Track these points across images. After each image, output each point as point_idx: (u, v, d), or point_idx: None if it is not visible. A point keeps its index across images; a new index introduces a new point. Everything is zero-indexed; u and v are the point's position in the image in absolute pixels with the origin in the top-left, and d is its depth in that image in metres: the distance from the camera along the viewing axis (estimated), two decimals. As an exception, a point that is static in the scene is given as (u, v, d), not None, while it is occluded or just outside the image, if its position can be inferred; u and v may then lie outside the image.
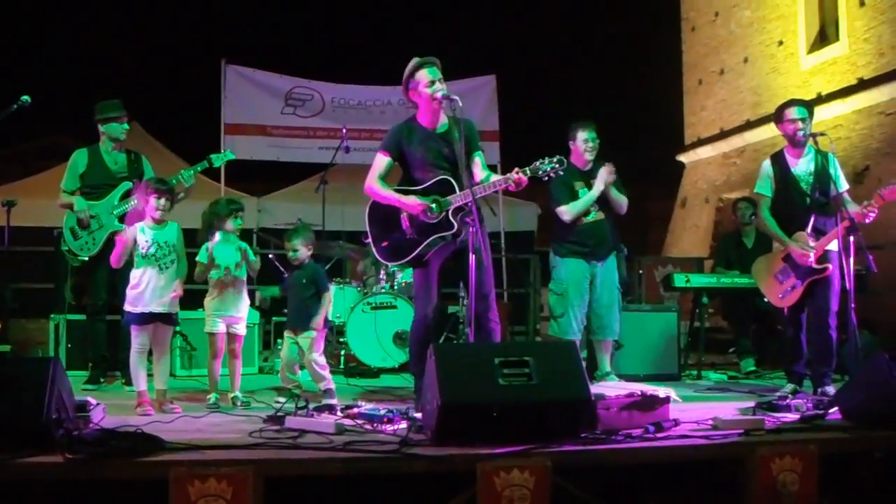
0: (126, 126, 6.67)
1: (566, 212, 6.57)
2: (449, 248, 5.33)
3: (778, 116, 6.25)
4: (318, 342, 5.67)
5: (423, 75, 5.31)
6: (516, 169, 5.13)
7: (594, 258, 6.61)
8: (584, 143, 6.63)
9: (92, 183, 6.55)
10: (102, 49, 22.27)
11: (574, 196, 6.58)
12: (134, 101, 7.29)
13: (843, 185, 6.06)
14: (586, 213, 6.58)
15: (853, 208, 5.87)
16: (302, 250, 5.75)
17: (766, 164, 6.30)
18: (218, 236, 5.53)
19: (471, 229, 4.96)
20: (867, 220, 5.81)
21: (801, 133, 6.06)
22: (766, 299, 6.45)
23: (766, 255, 6.43)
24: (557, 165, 5.09)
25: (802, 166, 6.15)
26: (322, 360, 5.67)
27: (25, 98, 6.04)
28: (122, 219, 6.43)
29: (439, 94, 5.27)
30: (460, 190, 5.22)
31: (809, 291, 6.03)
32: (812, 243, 5.96)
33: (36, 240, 9.24)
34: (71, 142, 11.51)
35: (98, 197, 6.50)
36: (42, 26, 23.81)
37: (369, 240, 5.55)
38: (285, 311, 6.00)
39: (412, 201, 5.28)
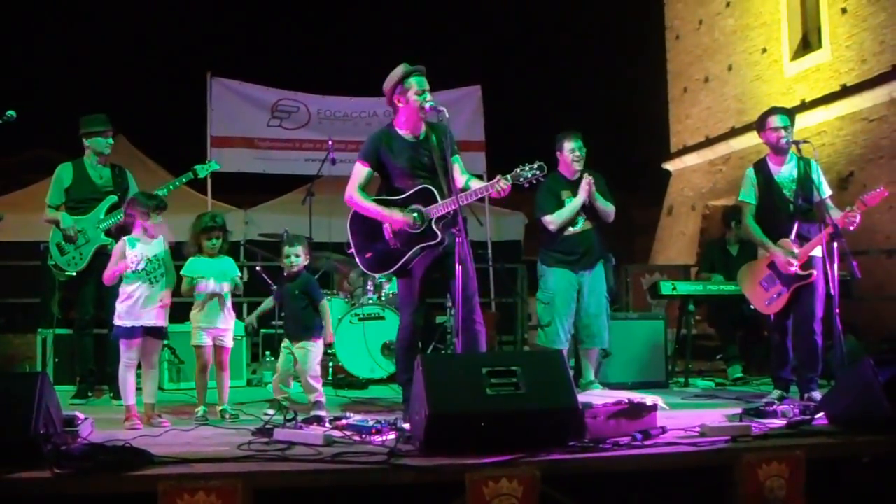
0: (111, 140, 6.65)
1: (552, 221, 6.59)
2: (431, 255, 5.33)
3: (760, 125, 6.30)
4: (316, 354, 5.66)
5: (415, 83, 5.31)
6: (498, 176, 5.14)
7: (581, 267, 6.63)
8: (570, 152, 6.66)
9: (77, 197, 6.53)
10: (88, 62, 22.24)
11: (560, 205, 6.60)
12: (120, 114, 7.29)
13: (826, 191, 6.09)
14: (573, 222, 6.61)
15: (836, 214, 5.90)
16: (303, 257, 5.68)
17: (750, 172, 6.35)
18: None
19: (457, 239, 4.96)
20: (851, 227, 5.84)
21: (783, 140, 6.11)
22: (752, 306, 6.49)
23: (751, 262, 6.46)
24: (538, 172, 5.09)
25: (785, 173, 6.20)
26: (317, 372, 5.66)
27: (11, 113, 6.04)
28: (108, 233, 6.42)
29: (428, 105, 5.28)
30: (441, 198, 5.23)
31: (795, 298, 6.07)
32: (796, 250, 6.00)
33: (22, 254, 9.20)
34: (56, 155, 11.47)
35: (84, 211, 6.48)
36: (28, 39, 23.76)
37: (352, 250, 5.55)
38: (273, 323, 5.98)
39: (396, 216, 5.28)
